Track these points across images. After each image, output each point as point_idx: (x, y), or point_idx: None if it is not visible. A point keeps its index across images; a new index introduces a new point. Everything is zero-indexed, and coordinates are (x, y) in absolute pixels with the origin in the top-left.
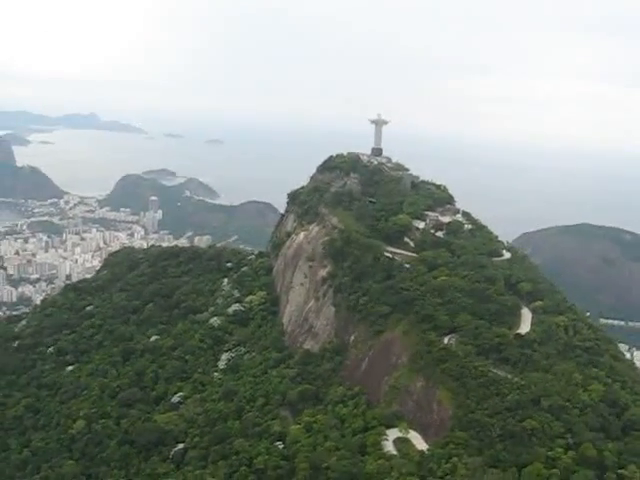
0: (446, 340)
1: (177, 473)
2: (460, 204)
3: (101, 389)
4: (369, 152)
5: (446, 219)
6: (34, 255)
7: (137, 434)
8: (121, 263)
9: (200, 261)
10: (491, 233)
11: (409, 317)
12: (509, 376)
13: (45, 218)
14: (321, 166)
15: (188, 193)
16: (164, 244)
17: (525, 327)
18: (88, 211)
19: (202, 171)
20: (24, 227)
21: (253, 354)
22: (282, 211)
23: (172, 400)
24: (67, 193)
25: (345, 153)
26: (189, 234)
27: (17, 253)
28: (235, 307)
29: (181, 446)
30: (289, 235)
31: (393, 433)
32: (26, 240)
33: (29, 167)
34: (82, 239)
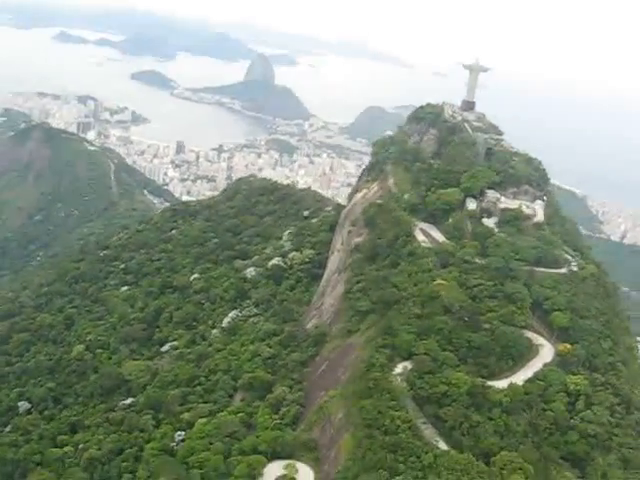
0: (398, 369)
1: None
2: None
3: (119, 318)
4: None
5: (511, 204)
6: (260, 170)
7: (100, 375)
8: (227, 191)
9: (286, 203)
10: (568, 234)
11: (381, 322)
12: (433, 441)
13: (284, 137)
14: (411, 115)
15: None
16: None
17: (523, 377)
18: (327, 137)
19: None
20: (262, 142)
21: (260, 318)
22: None
23: (162, 348)
24: (314, 116)
25: (441, 103)
26: None
27: (246, 166)
28: (275, 261)
29: (128, 401)
30: (357, 191)
31: (278, 469)
32: (259, 155)
33: (283, 87)
34: (311, 162)
